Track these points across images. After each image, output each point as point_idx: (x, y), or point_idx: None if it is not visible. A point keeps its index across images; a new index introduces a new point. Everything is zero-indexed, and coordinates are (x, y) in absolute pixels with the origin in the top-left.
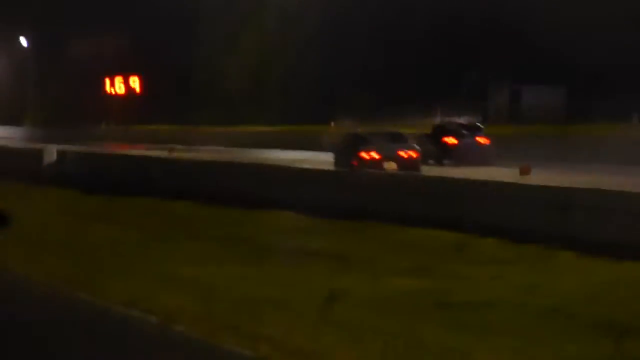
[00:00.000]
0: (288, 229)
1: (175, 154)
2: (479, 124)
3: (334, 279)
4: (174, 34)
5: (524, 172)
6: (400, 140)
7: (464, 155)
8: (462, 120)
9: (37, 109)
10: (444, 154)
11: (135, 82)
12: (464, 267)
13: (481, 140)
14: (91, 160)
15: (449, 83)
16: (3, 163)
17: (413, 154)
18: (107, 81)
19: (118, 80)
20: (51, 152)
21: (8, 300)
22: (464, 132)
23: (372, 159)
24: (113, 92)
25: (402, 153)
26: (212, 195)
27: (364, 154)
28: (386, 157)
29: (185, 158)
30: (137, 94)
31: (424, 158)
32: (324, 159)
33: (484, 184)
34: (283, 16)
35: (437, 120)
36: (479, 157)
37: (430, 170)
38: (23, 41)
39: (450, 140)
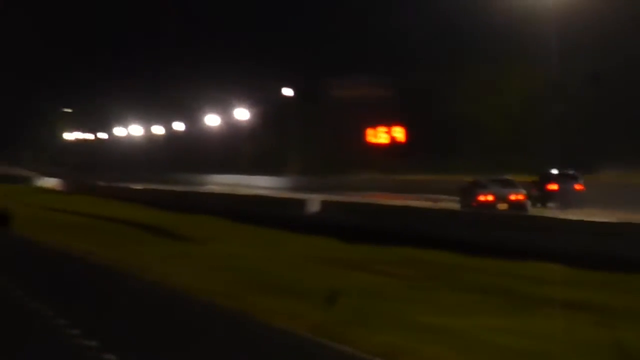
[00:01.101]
0: (545, 279)
1: (440, 204)
2: (575, 173)
3: (600, 332)
4: (434, 83)
5: None
6: (511, 185)
7: (563, 199)
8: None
9: (299, 159)
10: (548, 198)
11: (398, 132)
12: None
13: (577, 187)
14: (352, 210)
15: None
16: (266, 212)
17: (521, 197)
18: (370, 131)
19: (381, 129)
20: (313, 202)
21: (273, 354)
22: (564, 179)
23: (488, 201)
24: (375, 142)
25: (512, 196)
26: (474, 245)
27: (481, 197)
28: (499, 199)
29: (445, 208)
30: (400, 143)
31: (533, 202)
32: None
33: None
34: (546, 62)
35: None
36: (576, 201)
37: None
38: (285, 92)
39: (552, 186)
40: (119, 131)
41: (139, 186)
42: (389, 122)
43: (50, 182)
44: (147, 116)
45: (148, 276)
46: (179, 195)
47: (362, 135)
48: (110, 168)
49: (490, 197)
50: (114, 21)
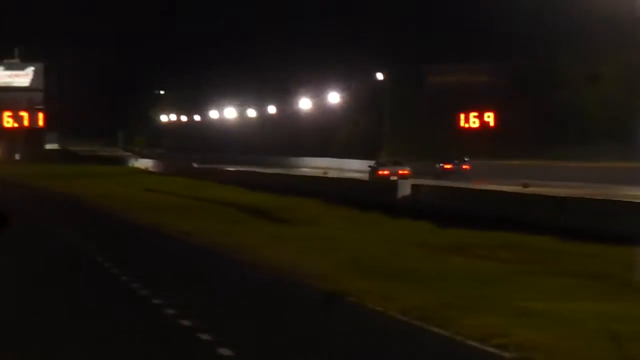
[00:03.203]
0: None
1: (528, 189)
2: (465, 159)
3: None
4: (529, 69)
5: None
6: (400, 164)
7: (452, 175)
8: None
9: (392, 143)
10: (443, 174)
11: (489, 117)
12: None
13: (465, 167)
14: (444, 194)
15: None
16: (358, 195)
17: (406, 172)
18: (462, 115)
19: (472, 114)
20: (405, 186)
21: (366, 335)
22: (456, 161)
23: (385, 174)
24: (467, 127)
25: (400, 171)
26: (568, 230)
27: (380, 172)
28: (392, 174)
29: (537, 193)
30: (491, 128)
31: (435, 176)
32: None
33: None
34: None
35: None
36: (462, 177)
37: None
38: (379, 76)
39: (447, 166)
40: (213, 114)
41: (233, 168)
42: (482, 108)
43: (145, 163)
44: (241, 99)
45: (244, 256)
46: (273, 177)
47: (454, 120)
48: (205, 150)
49: (386, 172)
50: (208, 6)
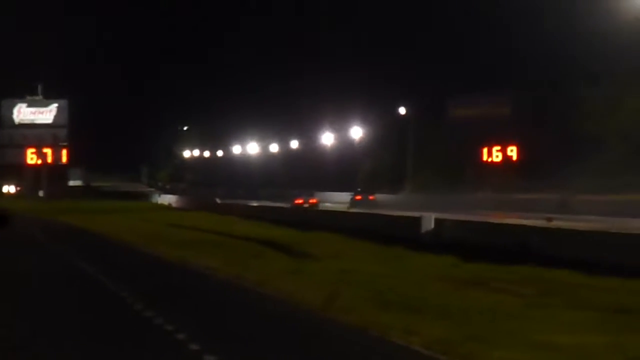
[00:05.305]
0: None
1: (553, 223)
2: (371, 191)
3: None
4: (553, 101)
5: None
6: (311, 194)
7: (363, 204)
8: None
9: (414, 177)
10: (354, 204)
11: (512, 151)
12: None
13: (371, 197)
14: (469, 228)
15: None
16: (381, 229)
17: (315, 201)
18: (484, 149)
19: (495, 148)
20: (429, 220)
21: None
22: (364, 193)
23: (300, 203)
24: (489, 161)
25: (310, 200)
26: (593, 265)
27: (296, 201)
28: (305, 202)
29: (563, 227)
30: (514, 162)
31: (350, 205)
32: None
33: None
34: None
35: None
36: (370, 205)
37: None
38: (402, 110)
39: (358, 197)
40: (236, 149)
41: (256, 203)
42: (504, 141)
43: (168, 199)
44: (263, 134)
45: (267, 291)
46: (295, 212)
47: (477, 154)
48: (228, 185)
49: (301, 201)
50: (231, 41)
